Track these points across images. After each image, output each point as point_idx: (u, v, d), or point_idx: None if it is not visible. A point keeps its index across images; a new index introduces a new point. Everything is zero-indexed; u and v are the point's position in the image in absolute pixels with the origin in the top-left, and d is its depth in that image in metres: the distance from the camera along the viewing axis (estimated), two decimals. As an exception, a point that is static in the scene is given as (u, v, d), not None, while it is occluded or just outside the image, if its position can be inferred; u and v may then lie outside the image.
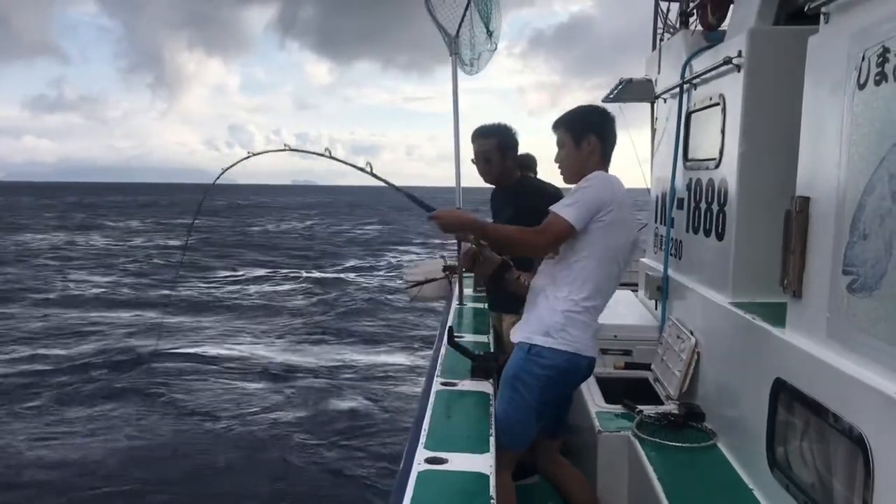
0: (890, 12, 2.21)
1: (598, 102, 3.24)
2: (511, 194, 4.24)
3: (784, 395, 2.78)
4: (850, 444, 2.26)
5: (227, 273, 25.18)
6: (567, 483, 3.43)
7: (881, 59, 2.23)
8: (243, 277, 24.27)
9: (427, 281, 7.47)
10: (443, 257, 7.89)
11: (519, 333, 3.17)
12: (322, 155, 3.88)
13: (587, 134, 3.16)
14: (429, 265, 8.22)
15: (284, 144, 4.03)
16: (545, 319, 3.05)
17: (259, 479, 7.23)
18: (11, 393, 10.03)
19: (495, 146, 4.18)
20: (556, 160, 3.29)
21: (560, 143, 3.24)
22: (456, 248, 5.65)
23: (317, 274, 25.59)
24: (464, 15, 5.78)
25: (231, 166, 4.00)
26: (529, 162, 7.19)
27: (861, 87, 2.33)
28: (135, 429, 8.70)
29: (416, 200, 3.54)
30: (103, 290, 20.45)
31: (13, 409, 9.35)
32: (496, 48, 6.06)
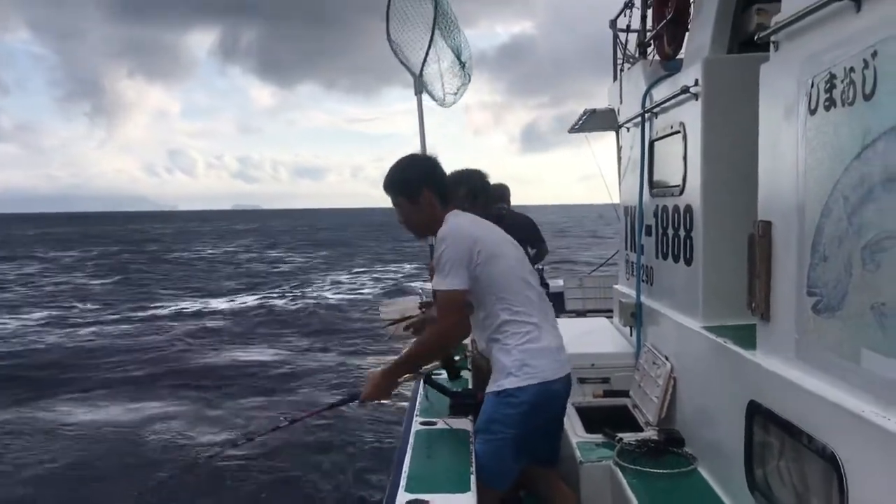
0: (835, 40, 2.29)
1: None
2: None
3: (759, 417, 2.81)
4: (823, 463, 2.29)
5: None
6: None
7: (829, 85, 2.30)
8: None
9: (403, 319, 7.43)
10: (419, 294, 7.89)
11: (489, 385, 3.18)
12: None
13: (419, 189, 3.19)
14: (405, 302, 8.20)
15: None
16: (505, 363, 3.07)
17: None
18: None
19: (463, 197, 4.18)
20: (400, 221, 3.32)
21: (397, 204, 3.27)
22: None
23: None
24: (427, 51, 5.84)
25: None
26: (502, 192, 7.25)
27: (812, 112, 2.40)
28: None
29: (338, 403, 3.66)
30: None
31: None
32: (470, 80, 6.13)
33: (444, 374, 4.15)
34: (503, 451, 3.05)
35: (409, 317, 7.46)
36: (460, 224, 3.13)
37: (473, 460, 2.97)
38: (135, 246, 58.27)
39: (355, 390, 3.44)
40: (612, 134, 7.14)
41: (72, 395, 11.51)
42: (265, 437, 3.61)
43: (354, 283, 29.61)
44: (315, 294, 25.65)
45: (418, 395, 3.83)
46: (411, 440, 3.23)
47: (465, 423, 3.42)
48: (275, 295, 25.37)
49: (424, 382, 3.71)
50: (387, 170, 3.31)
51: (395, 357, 3.37)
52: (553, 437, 3.36)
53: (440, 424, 3.41)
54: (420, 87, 5.85)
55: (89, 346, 15.92)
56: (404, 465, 2.91)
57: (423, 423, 3.43)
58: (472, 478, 2.77)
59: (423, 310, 7.31)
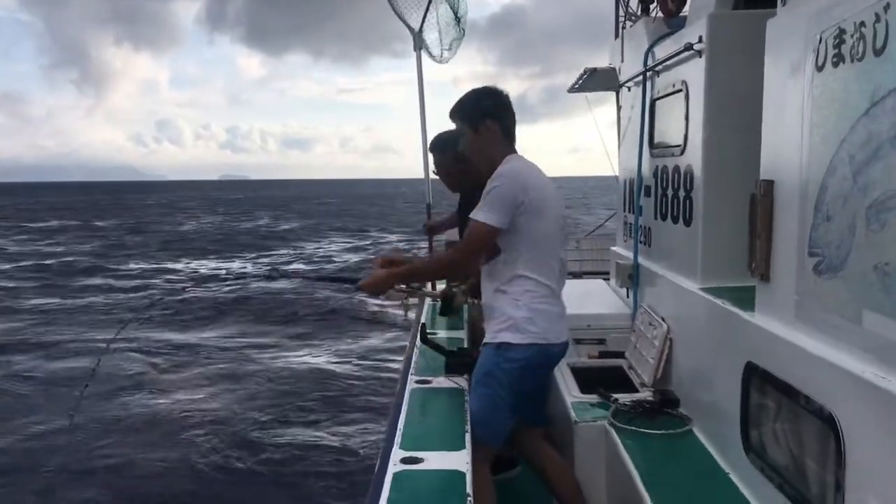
0: (845, -6, 2.22)
1: (493, 86, 3.18)
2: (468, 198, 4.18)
3: (756, 378, 2.79)
4: (821, 424, 2.27)
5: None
6: (549, 468, 3.43)
7: (837, 40, 2.24)
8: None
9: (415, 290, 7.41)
10: (415, 254, 7.86)
11: (487, 335, 3.16)
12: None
13: (483, 119, 3.15)
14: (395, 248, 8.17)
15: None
16: (510, 314, 3.04)
17: (227, 480, 7.14)
18: None
19: (450, 158, 4.12)
20: (461, 149, 3.29)
21: (461, 133, 3.24)
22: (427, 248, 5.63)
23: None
24: (427, 7, 5.73)
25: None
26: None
27: (819, 69, 2.34)
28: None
29: (338, 279, 3.58)
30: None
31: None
32: (465, 34, 6.02)
33: (438, 334, 4.14)
34: (499, 406, 3.05)
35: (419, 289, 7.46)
36: (518, 168, 3.07)
37: (469, 419, 2.96)
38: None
39: (356, 276, 3.38)
40: (609, 99, 7.10)
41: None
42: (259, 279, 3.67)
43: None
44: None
45: (413, 354, 3.82)
46: (406, 398, 3.22)
47: (460, 382, 3.41)
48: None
49: (421, 341, 3.69)
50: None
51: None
52: (541, 397, 3.36)
53: (435, 383, 3.41)
54: (419, 43, 5.76)
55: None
56: (399, 423, 2.90)
57: (418, 382, 3.42)
58: (467, 436, 2.77)
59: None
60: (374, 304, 15.05)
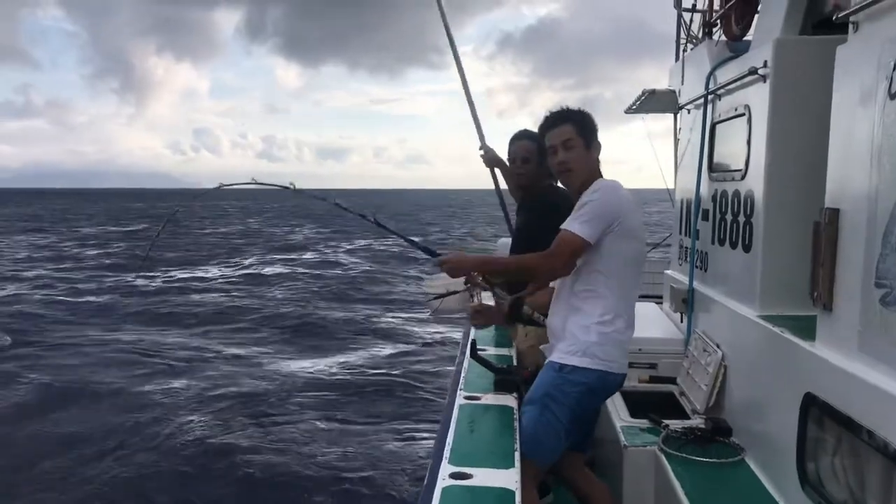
0: (921, 21, 2.18)
1: (581, 108, 3.10)
2: (534, 203, 4.15)
3: (815, 410, 2.73)
4: (884, 460, 2.21)
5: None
6: (593, 496, 3.37)
7: (913, 68, 2.19)
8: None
9: (449, 294, 7.42)
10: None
11: (551, 352, 3.10)
12: (286, 188, 3.94)
13: (596, 137, 3.10)
14: (449, 277, 8.18)
15: (252, 179, 4.01)
16: (580, 338, 2.97)
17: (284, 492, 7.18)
18: None
19: (536, 149, 3.97)
20: (562, 160, 3.05)
21: (566, 144, 3.04)
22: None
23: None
24: None
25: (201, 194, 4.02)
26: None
27: (893, 96, 2.30)
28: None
29: (420, 247, 3.55)
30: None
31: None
32: None
33: (487, 350, 4.12)
34: (555, 428, 3.00)
35: (454, 291, 7.47)
36: (617, 187, 2.99)
37: (518, 437, 2.94)
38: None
39: (439, 252, 3.31)
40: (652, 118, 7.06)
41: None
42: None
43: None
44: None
45: (462, 369, 3.82)
46: (455, 413, 3.21)
47: (509, 400, 3.39)
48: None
49: (471, 356, 3.68)
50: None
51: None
52: (591, 424, 3.31)
53: (484, 399, 3.39)
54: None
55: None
56: (448, 438, 2.89)
57: (466, 398, 3.41)
58: (517, 455, 2.75)
59: (468, 285, 7.30)
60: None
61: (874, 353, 2.37)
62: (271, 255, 32.71)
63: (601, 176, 3.09)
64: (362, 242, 37.74)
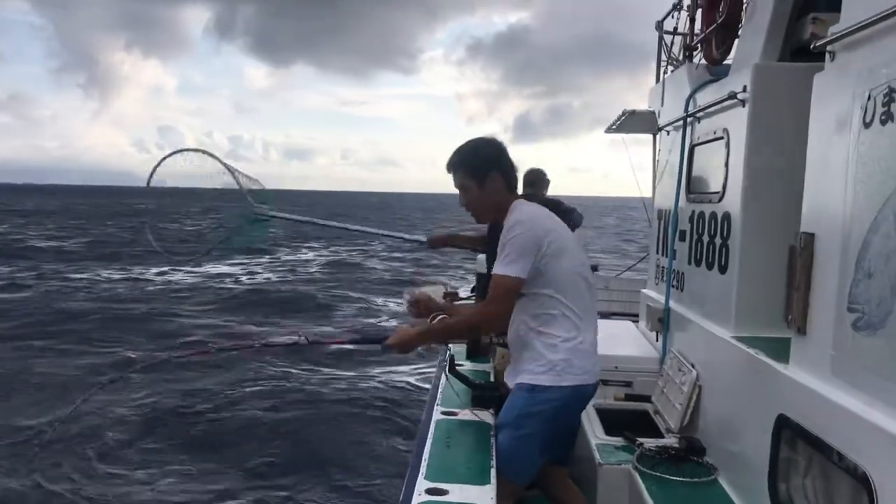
0: (896, 53, 2.23)
1: (491, 135, 3.25)
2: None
3: (787, 431, 2.76)
4: (854, 482, 2.25)
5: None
6: None
7: (887, 98, 2.24)
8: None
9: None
10: (443, 284, 7.88)
11: (518, 375, 3.08)
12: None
13: (488, 172, 3.11)
14: (430, 291, 8.19)
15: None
16: (548, 357, 2.98)
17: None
18: None
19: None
20: (462, 204, 3.21)
21: (463, 188, 3.17)
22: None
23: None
24: None
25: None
26: (534, 179, 7.14)
27: (867, 125, 2.35)
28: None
29: (366, 340, 3.60)
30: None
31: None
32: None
33: (465, 365, 4.13)
34: (530, 446, 3.01)
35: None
36: (535, 213, 3.04)
37: (494, 454, 2.95)
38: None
39: (383, 335, 3.32)
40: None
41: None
42: (278, 347, 3.60)
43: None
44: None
45: (440, 385, 3.82)
46: (432, 429, 3.22)
47: (486, 416, 3.41)
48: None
49: (448, 372, 3.69)
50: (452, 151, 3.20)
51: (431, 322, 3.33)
52: (571, 436, 3.33)
53: (462, 415, 3.40)
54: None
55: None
56: (424, 454, 2.90)
57: (444, 413, 3.42)
58: (493, 471, 2.76)
59: (448, 299, 7.32)
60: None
61: (846, 377, 2.40)
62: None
63: (511, 202, 3.12)
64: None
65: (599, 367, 3.15)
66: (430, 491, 2.52)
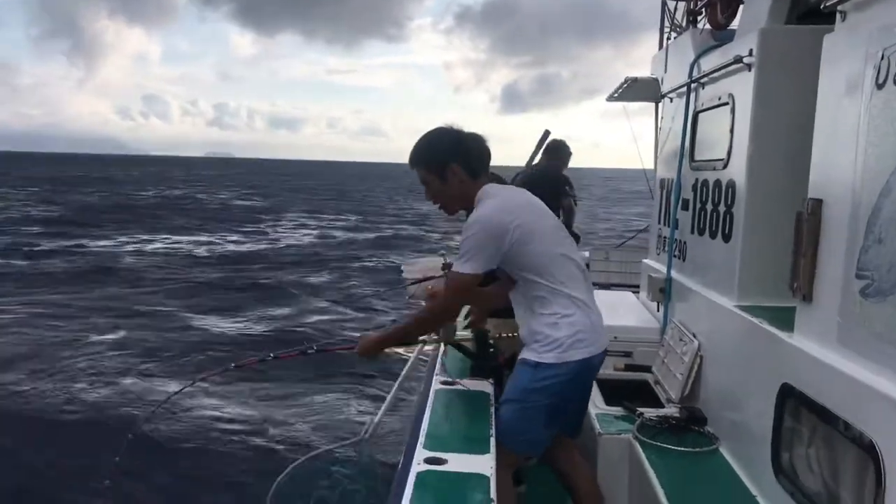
0: (912, 10, 2.16)
1: (449, 126, 3.16)
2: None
3: (791, 401, 2.72)
4: (860, 452, 2.21)
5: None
6: (576, 480, 3.35)
7: (901, 58, 2.17)
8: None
9: (426, 279, 7.42)
10: (442, 255, 7.84)
11: (524, 351, 3.07)
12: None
13: (447, 164, 3.06)
14: (428, 262, 8.17)
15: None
16: (551, 335, 2.96)
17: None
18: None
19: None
20: (428, 199, 3.20)
21: (425, 183, 3.14)
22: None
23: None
24: None
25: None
26: (550, 148, 7.09)
27: (879, 86, 2.28)
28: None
29: (341, 348, 3.62)
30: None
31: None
32: None
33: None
34: (536, 419, 2.98)
35: (431, 277, 7.46)
36: (493, 206, 2.98)
37: (493, 423, 2.92)
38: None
39: (351, 343, 3.42)
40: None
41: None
42: (245, 366, 3.57)
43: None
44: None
45: (439, 354, 3.79)
46: (431, 399, 3.19)
47: (485, 386, 3.38)
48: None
49: (446, 344, 3.65)
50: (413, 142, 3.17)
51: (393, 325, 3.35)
52: (581, 408, 3.29)
53: (460, 385, 3.37)
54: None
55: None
56: (423, 423, 2.87)
57: (443, 383, 3.39)
58: (492, 440, 2.73)
59: (445, 271, 7.29)
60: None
61: (853, 345, 2.36)
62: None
63: (476, 189, 3.08)
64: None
65: (606, 337, 3.12)
66: (429, 460, 2.49)
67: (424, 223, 34.44)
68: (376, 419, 4.49)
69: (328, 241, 28.18)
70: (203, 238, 27.63)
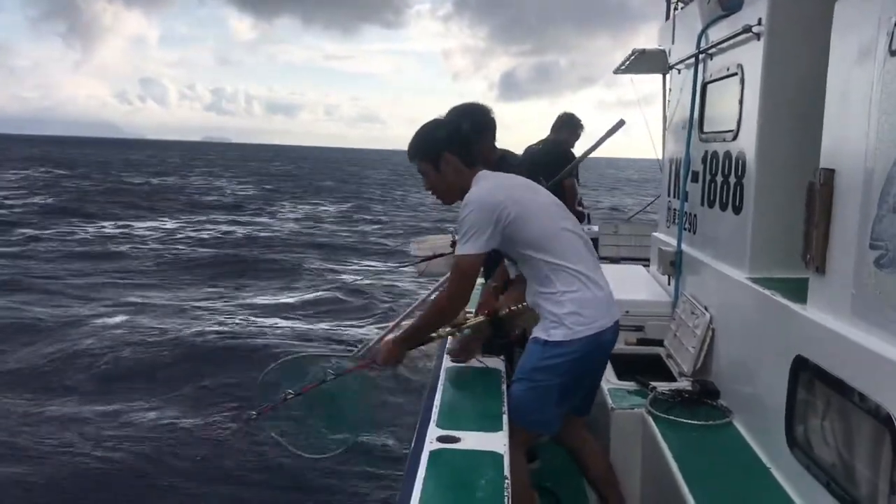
0: (926, -26, 2.11)
1: (479, 102, 3.37)
2: None
3: (805, 373, 2.71)
4: (876, 424, 2.19)
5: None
6: (586, 453, 3.35)
7: (915, 23, 2.13)
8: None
9: (435, 256, 7.41)
10: (451, 232, 7.82)
11: (535, 330, 3.07)
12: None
13: (441, 154, 3.08)
14: (437, 240, 8.16)
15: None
16: (555, 311, 2.95)
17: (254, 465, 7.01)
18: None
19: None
20: (427, 188, 3.23)
21: (422, 173, 3.18)
22: None
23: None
24: None
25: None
26: (555, 125, 6.95)
27: (893, 53, 2.24)
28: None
29: (356, 367, 3.57)
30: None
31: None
32: None
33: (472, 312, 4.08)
34: (547, 398, 2.98)
35: (441, 254, 7.46)
36: (485, 190, 3.01)
37: (505, 400, 2.92)
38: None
39: (375, 353, 3.37)
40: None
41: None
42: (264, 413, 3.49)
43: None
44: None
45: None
46: (442, 376, 3.19)
47: (496, 363, 3.37)
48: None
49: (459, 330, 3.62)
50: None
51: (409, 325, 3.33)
52: (593, 386, 3.29)
53: (471, 362, 3.37)
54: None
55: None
56: (435, 401, 2.87)
57: (454, 361, 3.39)
58: (504, 418, 2.73)
59: (455, 247, 7.28)
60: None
61: (867, 316, 2.34)
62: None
63: (477, 171, 3.10)
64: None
65: (617, 311, 3.10)
66: (441, 438, 2.49)
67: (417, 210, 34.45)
68: (371, 343, 4.43)
69: (339, 225, 28.30)
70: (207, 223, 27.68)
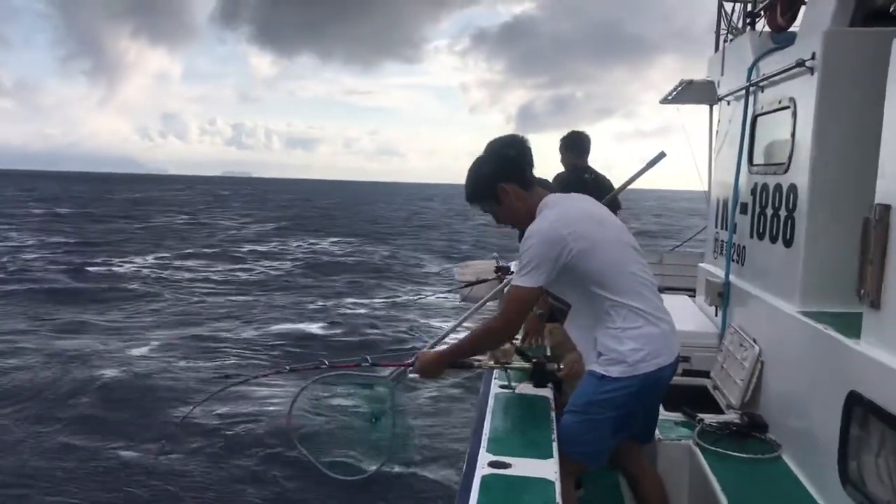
0: None
1: (513, 133, 3.19)
2: None
3: (859, 408, 2.69)
4: None
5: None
6: (646, 489, 3.30)
7: (976, 62, 2.14)
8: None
9: (479, 282, 7.46)
10: (495, 258, 7.87)
11: (589, 363, 3.00)
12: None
13: (496, 187, 3.06)
14: (480, 265, 8.21)
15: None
16: (616, 348, 2.88)
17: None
18: None
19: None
20: (499, 224, 3.24)
21: (485, 211, 3.20)
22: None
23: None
24: None
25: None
26: (562, 145, 6.59)
27: None
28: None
29: (394, 363, 3.58)
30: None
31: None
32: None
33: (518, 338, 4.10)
34: (600, 430, 2.92)
35: (484, 279, 7.50)
36: (550, 221, 2.93)
37: (554, 428, 2.93)
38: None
39: (410, 360, 3.39)
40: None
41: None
42: (316, 376, 3.54)
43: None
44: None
45: None
46: (491, 403, 3.21)
47: (545, 391, 3.39)
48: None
49: (504, 367, 3.61)
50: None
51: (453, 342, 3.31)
52: (652, 414, 3.22)
53: (519, 389, 3.39)
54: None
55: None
56: (484, 427, 2.90)
57: (502, 387, 3.41)
58: (555, 445, 2.75)
59: (499, 273, 7.32)
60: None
61: None
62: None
63: (537, 200, 3.06)
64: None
65: (677, 346, 3.04)
66: (492, 464, 2.51)
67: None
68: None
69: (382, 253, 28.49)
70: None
